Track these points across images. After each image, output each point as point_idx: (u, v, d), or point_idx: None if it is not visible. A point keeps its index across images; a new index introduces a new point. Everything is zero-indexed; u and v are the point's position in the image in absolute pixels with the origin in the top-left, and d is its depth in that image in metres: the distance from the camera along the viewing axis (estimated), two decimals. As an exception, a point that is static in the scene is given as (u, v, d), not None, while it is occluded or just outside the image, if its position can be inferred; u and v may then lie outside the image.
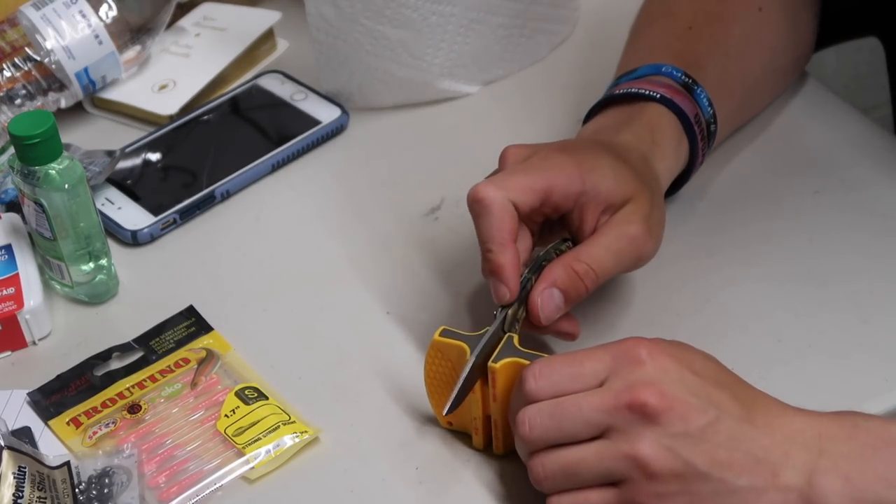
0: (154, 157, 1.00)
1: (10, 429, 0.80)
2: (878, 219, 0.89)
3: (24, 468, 0.74)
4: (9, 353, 0.87)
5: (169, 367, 0.83)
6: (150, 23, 1.04)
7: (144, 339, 0.85)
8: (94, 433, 0.79)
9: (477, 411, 0.74)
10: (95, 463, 0.77)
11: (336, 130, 1.01)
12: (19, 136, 0.83)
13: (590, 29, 1.08)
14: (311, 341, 0.85)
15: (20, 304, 0.86)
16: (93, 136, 1.02)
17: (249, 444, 0.77)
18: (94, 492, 0.75)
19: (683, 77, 0.86)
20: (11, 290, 0.87)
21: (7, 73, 0.99)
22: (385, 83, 1.01)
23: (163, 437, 0.79)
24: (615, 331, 0.83)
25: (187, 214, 0.95)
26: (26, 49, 1.00)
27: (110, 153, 0.96)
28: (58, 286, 0.90)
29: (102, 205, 0.95)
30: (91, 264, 0.88)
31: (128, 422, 0.80)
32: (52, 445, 0.80)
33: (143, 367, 0.84)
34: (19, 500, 0.73)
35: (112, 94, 1.04)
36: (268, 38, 1.09)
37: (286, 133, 1.00)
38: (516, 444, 0.71)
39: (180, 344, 0.85)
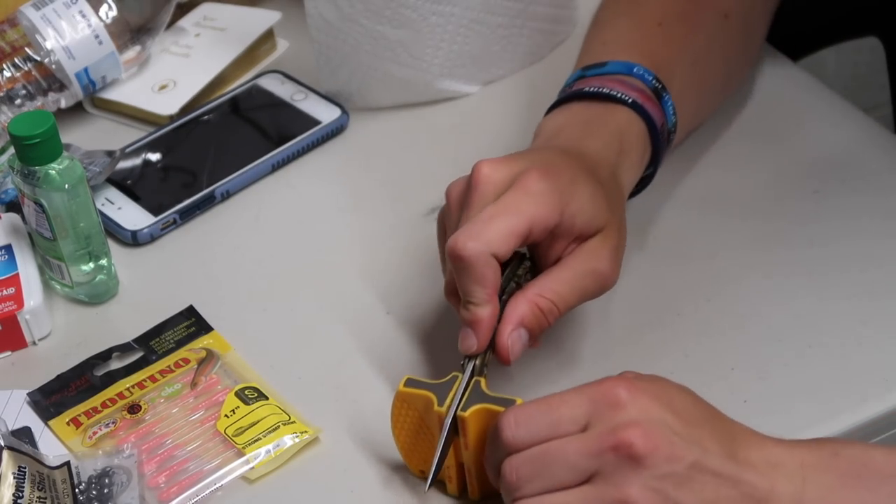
0: (154, 157, 1.00)
1: (10, 429, 0.80)
2: (879, 219, 0.89)
3: (24, 468, 0.74)
4: (9, 353, 0.87)
5: (169, 367, 0.83)
6: (150, 23, 1.04)
7: (144, 339, 0.85)
8: (94, 433, 0.79)
9: (450, 460, 0.73)
10: (95, 463, 0.77)
11: (336, 130, 1.01)
12: (19, 136, 0.83)
13: (590, 29, 1.08)
14: (311, 341, 0.85)
15: (20, 304, 0.86)
16: (93, 136, 1.02)
17: (249, 444, 0.77)
18: (94, 492, 0.75)
19: (654, 82, 0.84)
20: (11, 290, 0.87)
21: (7, 73, 1.00)
22: (385, 83, 1.01)
23: (163, 437, 0.79)
24: (615, 331, 0.83)
25: (187, 214, 0.95)
26: (26, 49, 1.00)
27: (110, 153, 0.96)
28: (58, 286, 0.90)
29: (102, 205, 0.95)
30: (91, 264, 0.88)
31: (128, 422, 0.80)
32: (52, 445, 0.80)
33: (143, 367, 0.84)
34: (19, 501, 0.73)
35: (112, 94, 1.04)
36: (268, 38, 1.09)
37: (286, 133, 1.00)
38: (503, 494, 0.69)
39: (180, 344, 0.85)
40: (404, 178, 0.96)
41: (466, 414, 0.70)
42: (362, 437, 0.78)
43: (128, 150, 1.00)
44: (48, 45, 1.00)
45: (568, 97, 0.84)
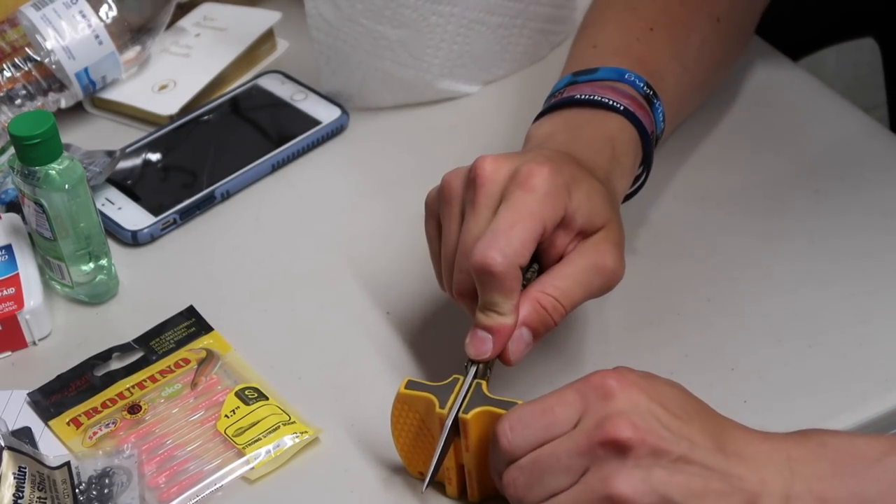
0: (154, 157, 1.00)
1: (10, 429, 0.80)
2: (879, 218, 0.89)
3: (25, 468, 0.74)
4: (9, 353, 0.87)
5: (169, 367, 0.83)
6: (150, 23, 1.04)
7: (144, 340, 0.85)
8: (95, 433, 0.79)
9: (450, 462, 0.72)
10: (95, 463, 0.77)
11: (336, 130, 1.01)
12: (19, 136, 0.83)
13: (590, 29, 1.08)
14: (311, 341, 0.85)
15: (20, 304, 0.86)
16: (93, 137, 1.02)
17: (249, 445, 0.77)
18: (94, 492, 0.75)
19: (646, 88, 0.83)
20: (11, 291, 0.87)
21: (7, 74, 1.00)
22: (385, 83, 1.01)
23: (163, 437, 0.79)
24: (615, 331, 0.83)
25: (187, 214, 0.95)
26: (26, 49, 1.00)
27: (110, 153, 0.96)
28: (58, 286, 0.90)
29: (102, 205, 0.95)
30: (91, 264, 0.88)
31: (128, 422, 0.80)
32: (52, 446, 0.80)
33: (144, 367, 0.84)
34: (19, 501, 0.73)
35: (112, 95, 1.04)
36: (268, 38, 1.09)
37: (286, 133, 1.00)
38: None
39: (180, 344, 0.85)
40: (404, 178, 0.96)
41: (468, 416, 0.70)
42: (362, 438, 0.78)
43: (128, 150, 1.00)
44: (48, 45, 1.00)
45: (559, 103, 0.83)
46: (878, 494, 0.65)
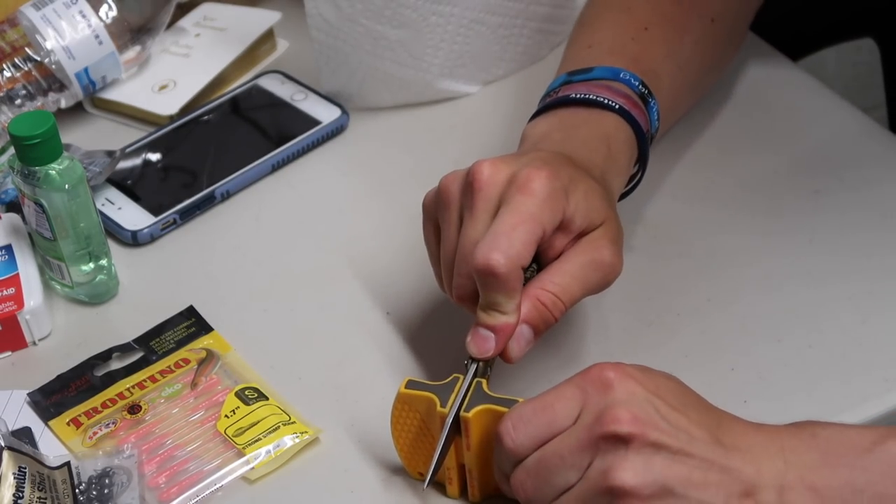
0: (154, 157, 1.00)
1: (10, 429, 0.80)
2: (878, 218, 0.89)
3: (25, 468, 0.74)
4: (9, 353, 0.87)
5: (169, 367, 0.83)
6: (150, 23, 1.04)
7: (144, 340, 0.85)
8: (95, 433, 0.79)
9: (450, 461, 0.72)
10: (95, 463, 0.77)
11: (336, 130, 1.01)
12: (19, 136, 0.83)
13: (590, 29, 1.08)
14: (311, 341, 0.85)
15: (20, 304, 0.86)
16: (93, 137, 1.02)
17: (249, 445, 0.77)
18: (94, 492, 0.75)
19: (641, 87, 0.84)
20: (11, 291, 0.87)
21: (7, 74, 1.00)
22: (385, 83, 1.01)
23: (163, 437, 0.79)
24: (615, 331, 0.83)
25: (187, 215, 0.95)
26: (26, 49, 1.00)
27: (110, 153, 0.96)
28: (58, 286, 0.90)
29: (102, 205, 0.95)
30: (91, 264, 0.88)
31: (128, 422, 0.80)
32: (52, 446, 0.80)
33: (144, 367, 0.84)
34: (19, 501, 0.73)
35: (112, 95, 1.04)
36: (268, 38, 1.09)
37: (286, 133, 1.00)
38: None
39: (180, 344, 0.85)
40: (404, 178, 0.96)
41: (469, 414, 0.70)
42: (362, 438, 0.78)
43: (128, 150, 1.00)
44: (48, 45, 1.00)
45: (554, 103, 0.83)
46: (869, 483, 0.66)
